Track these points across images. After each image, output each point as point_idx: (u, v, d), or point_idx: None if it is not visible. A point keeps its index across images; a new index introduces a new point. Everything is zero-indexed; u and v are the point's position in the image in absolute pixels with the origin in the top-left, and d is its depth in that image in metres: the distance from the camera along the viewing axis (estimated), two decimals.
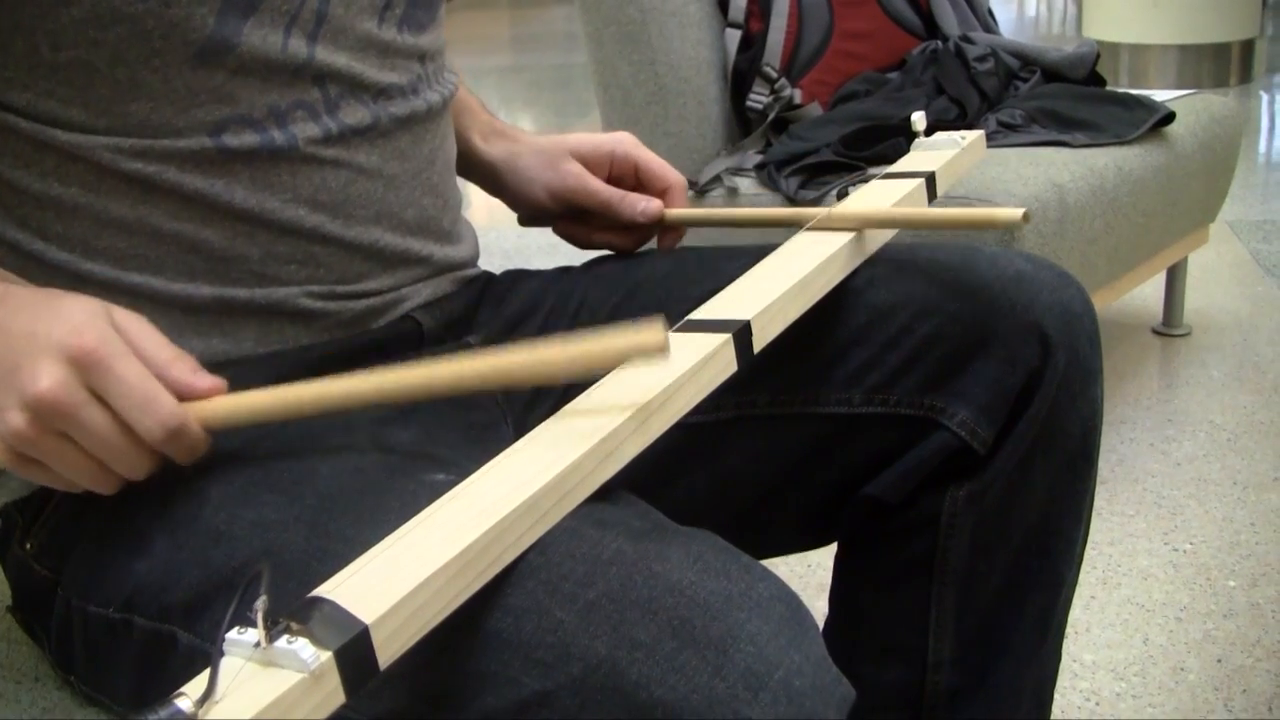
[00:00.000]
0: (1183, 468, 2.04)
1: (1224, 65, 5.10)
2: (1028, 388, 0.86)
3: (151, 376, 0.65)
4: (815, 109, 2.10)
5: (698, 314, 0.77)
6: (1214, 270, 2.92)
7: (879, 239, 0.88)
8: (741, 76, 2.11)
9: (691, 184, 2.06)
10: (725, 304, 0.78)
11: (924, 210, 0.83)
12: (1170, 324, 2.58)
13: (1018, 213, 0.75)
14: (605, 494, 0.64)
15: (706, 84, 2.12)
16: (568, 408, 0.67)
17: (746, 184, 2.03)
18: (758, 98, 2.09)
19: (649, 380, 0.69)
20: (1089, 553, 1.78)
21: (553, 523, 0.60)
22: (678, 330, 0.75)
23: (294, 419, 0.69)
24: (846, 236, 0.83)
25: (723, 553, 0.61)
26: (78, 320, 0.64)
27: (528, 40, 8.75)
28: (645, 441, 0.67)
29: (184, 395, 0.66)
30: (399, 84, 0.85)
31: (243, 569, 0.66)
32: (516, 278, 1.00)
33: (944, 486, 0.89)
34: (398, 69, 0.85)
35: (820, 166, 1.94)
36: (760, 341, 0.75)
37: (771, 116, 2.08)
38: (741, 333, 0.74)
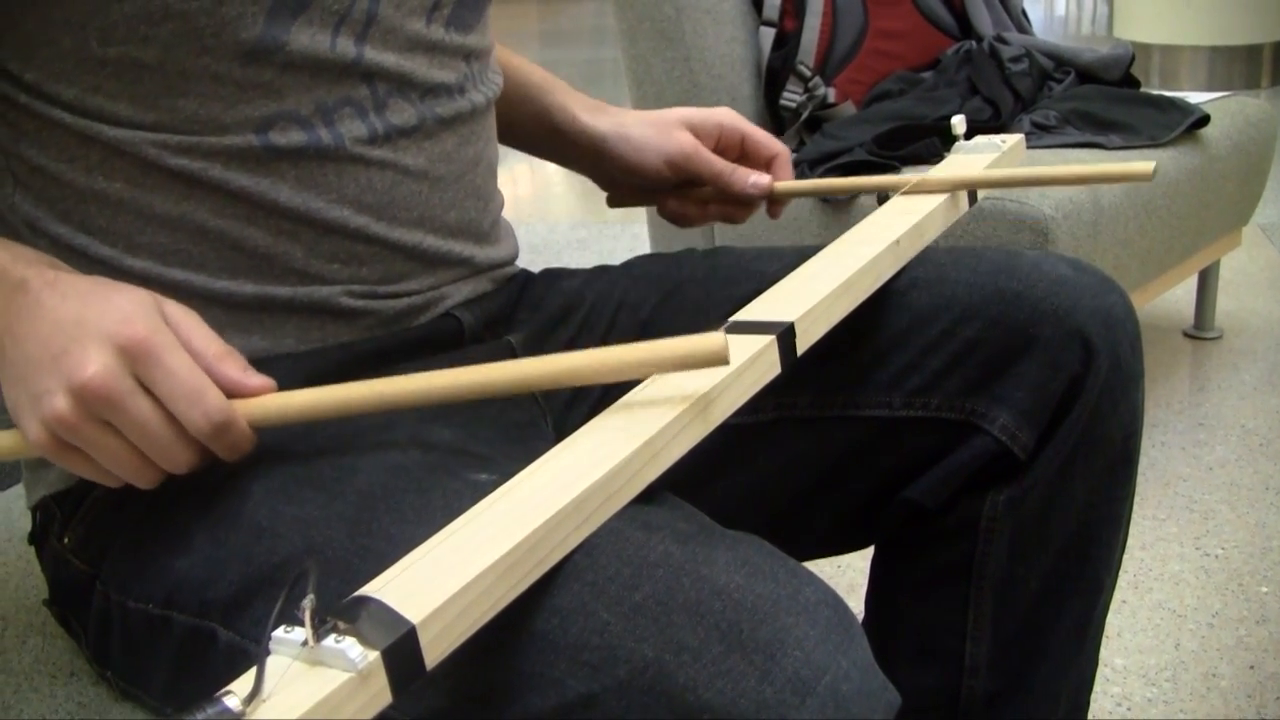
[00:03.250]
0: (1214, 472, 2.02)
1: (1256, 67, 5.06)
2: (1069, 393, 0.86)
3: (200, 370, 0.65)
4: (849, 108, 2.10)
5: (742, 315, 0.76)
6: (1246, 273, 2.90)
7: (892, 265, 0.87)
8: (775, 75, 2.10)
9: None
10: (769, 306, 0.78)
11: (1033, 169, 0.84)
12: (1202, 327, 2.57)
13: (1149, 165, 0.76)
14: (650, 496, 0.64)
15: (740, 82, 2.11)
16: (612, 408, 0.67)
17: None
18: (791, 96, 2.08)
19: (694, 381, 0.68)
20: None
21: (598, 524, 0.60)
22: (721, 331, 0.75)
23: (341, 417, 0.68)
24: (858, 264, 0.81)
25: (769, 556, 0.61)
26: (128, 310, 0.64)
27: (556, 35, 8.75)
28: (691, 442, 0.67)
29: (233, 392, 0.66)
30: (446, 83, 0.85)
31: (285, 566, 0.66)
32: (555, 277, 1.00)
33: (984, 491, 0.88)
34: (445, 68, 0.85)
35: (853, 166, 1.93)
36: (804, 343, 0.75)
37: (805, 115, 2.07)
38: (785, 334, 0.73)
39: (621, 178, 1.06)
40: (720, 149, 1.03)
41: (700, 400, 0.67)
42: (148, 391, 0.64)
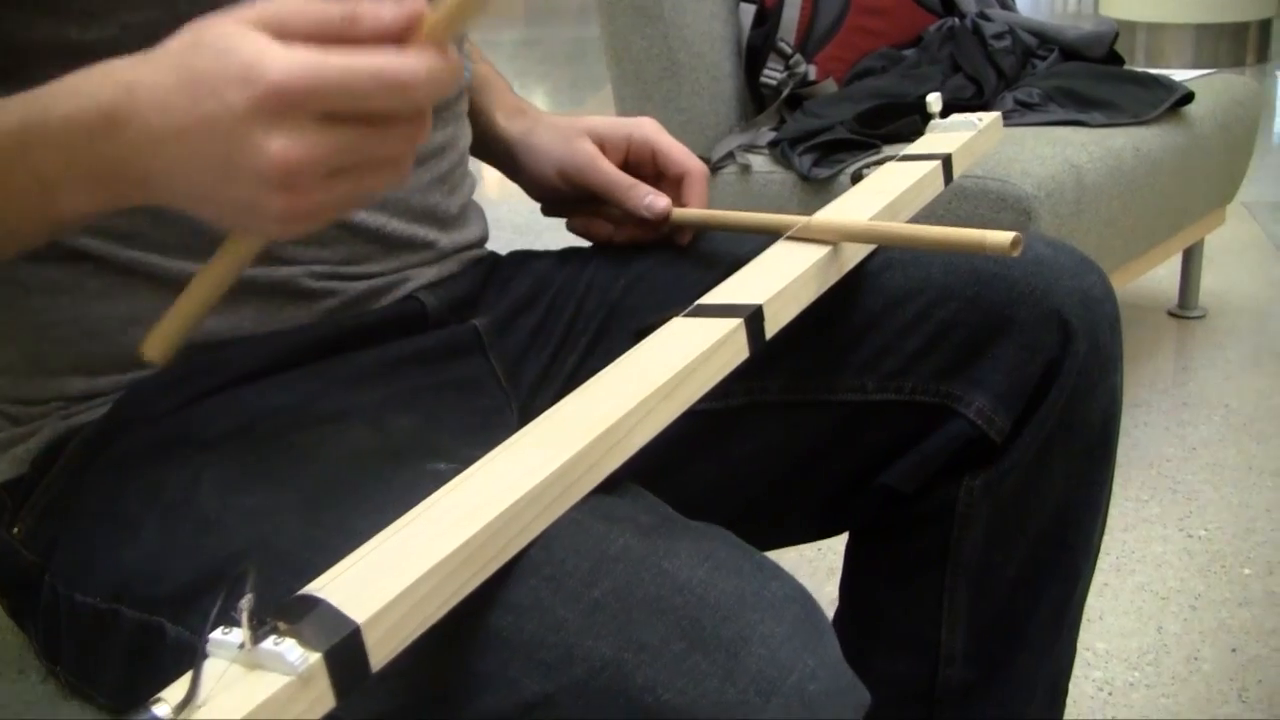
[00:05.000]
0: (1198, 452, 2.01)
1: (1241, 45, 5.05)
2: (1046, 376, 0.84)
3: (368, 59, 0.52)
4: (830, 86, 2.07)
5: (708, 298, 0.74)
6: (1230, 252, 2.89)
7: (861, 250, 0.84)
8: (756, 52, 2.08)
9: (705, 160, 2.03)
10: (737, 288, 0.76)
11: (905, 227, 0.78)
12: (1186, 306, 2.55)
13: (1007, 238, 0.71)
14: (612, 486, 0.62)
15: (720, 59, 2.09)
16: (574, 394, 0.65)
17: (760, 161, 2.00)
18: (772, 73, 2.06)
19: (658, 365, 0.66)
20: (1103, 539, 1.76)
21: (557, 515, 0.58)
22: (687, 315, 0.73)
23: None
24: (825, 249, 0.79)
25: (735, 550, 0.59)
26: (241, 58, 0.52)
27: (542, 13, 8.69)
28: (654, 429, 0.65)
29: (400, 35, 0.53)
30: None
31: (234, 559, 0.63)
32: (523, 259, 0.98)
33: (959, 476, 0.86)
34: None
35: (834, 144, 1.91)
36: (773, 327, 0.73)
37: (786, 93, 2.05)
38: (754, 318, 0.71)
39: (527, 187, 1.00)
40: (631, 163, 0.94)
41: (664, 385, 0.65)
42: (344, 120, 0.53)
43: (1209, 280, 2.61)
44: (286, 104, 0.51)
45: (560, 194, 0.98)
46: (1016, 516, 0.87)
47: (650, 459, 0.64)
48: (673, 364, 0.66)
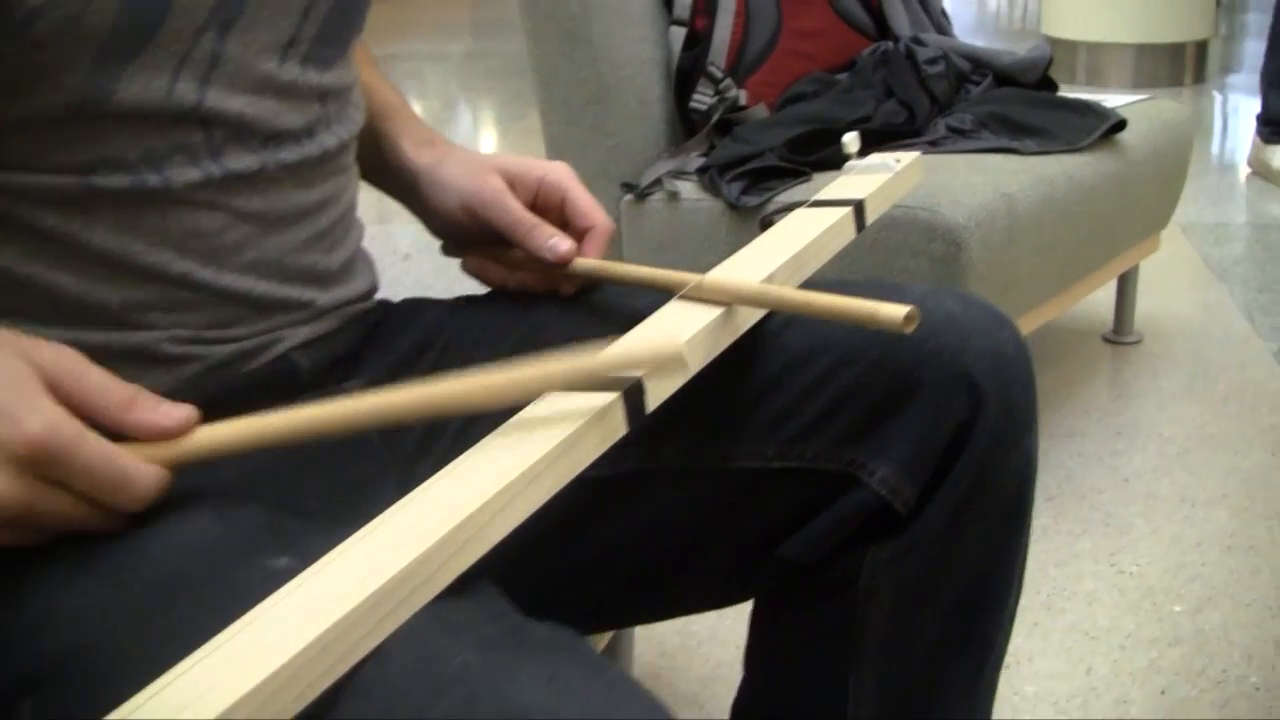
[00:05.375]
0: (1131, 484, 1.99)
1: (1179, 65, 5.11)
2: (956, 441, 0.80)
3: (117, 455, 0.60)
4: (761, 110, 2.03)
5: None
6: (1166, 274, 2.87)
7: (757, 312, 0.79)
8: (686, 76, 2.04)
9: (632, 187, 1.99)
10: None
11: (798, 294, 0.74)
12: (1121, 332, 2.53)
13: (900, 313, 0.67)
14: (462, 583, 0.57)
15: (649, 83, 2.05)
16: (433, 479, 0.61)
17: (688, 188, 1.96)
18: (702, 98, 2.02)
19: (526, 445, 0.62)
20: (1034, 576, 1.73)
21: (396, 624, 0.53)
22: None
23: (267, 448, 0.64)
24: (716, 311, 0.75)
25: (584, 669, 0.55)
26: (8, 402, 0.58)
27: (489, 25, 8.62)
28: (515, 520, 0.60)
29: (152, 439, 0.62)
30: (293, 129, 0.78)
31: (61, 663, 0.58)
32: (415, 308, 0.93)
33: (864, 547, 0.83)
34: (295, 111, 0.78)
35: (764, 171, 1.88)
36: (656, 399, 0.69)
37: (716, 118, 2.01)
38: (633, 391, 0.67)
39: (427, 220, 0.96)
40: (538, 207, 0.90)
41: (528, 472, 0.60)
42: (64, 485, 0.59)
43: (1145, 304, 2.59)
44: (38, 459, 0.57)
45: (462, 230, 0.93)
46: (926, 588, 0.83)
47: (538, 524, 0.60)
48: (539, 445, 0.62)
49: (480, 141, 5.04)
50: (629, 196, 2.00)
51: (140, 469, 0.61)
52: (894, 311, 0.66)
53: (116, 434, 0.62)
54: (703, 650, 1.62)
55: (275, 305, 0.79)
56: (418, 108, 6.02)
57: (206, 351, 0.76)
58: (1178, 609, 1.66)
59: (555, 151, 2.10)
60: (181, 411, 0.63)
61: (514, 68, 6.67)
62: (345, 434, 0.64)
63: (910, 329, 0.65)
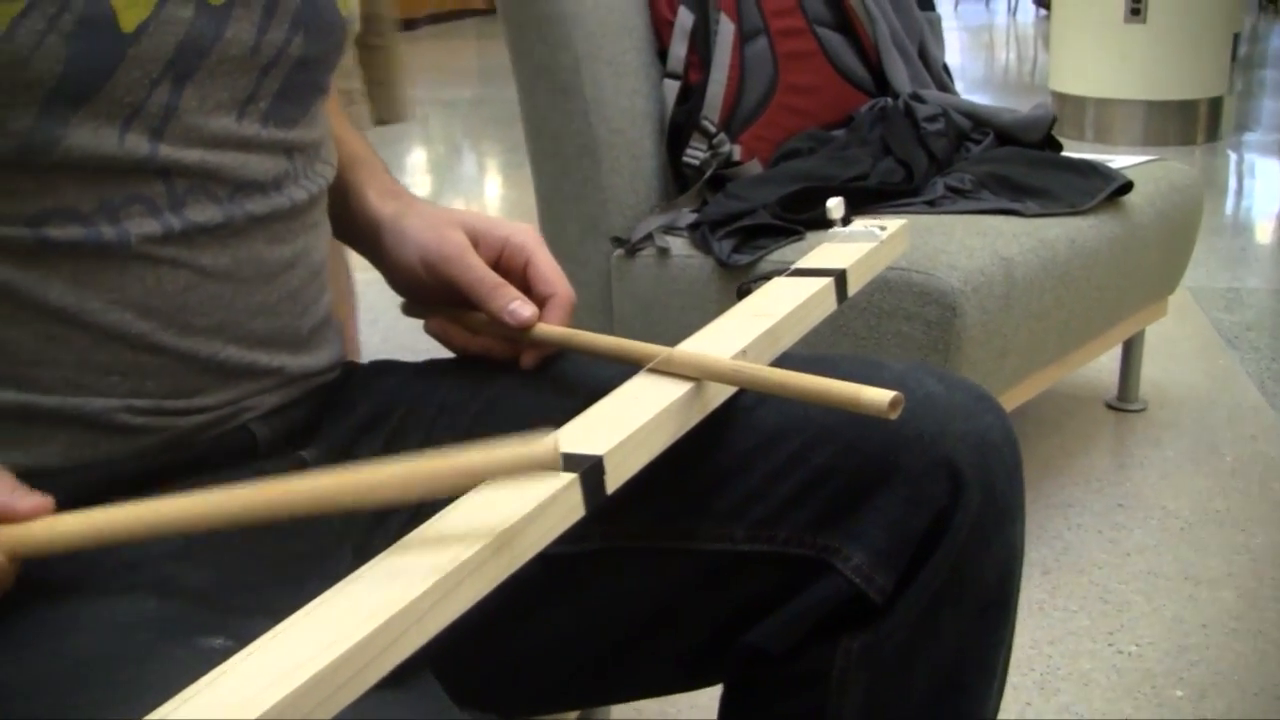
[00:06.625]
0: (1132, 559, 1.93)
1: (1191, 123, 5.04)
2: (934, 529, 0.75)
3: None
4: (755, 166, 1.99)
5: None
6: (1173, 340, 2.82)
7: (728, 388, 0.75)
8: (678, 130, 1.99)
9: (622, 241, 1.95)
10: (578, 433, 0.67)
11: (774, 373, 0.70)
12: (1125, 399, 2.47)
13: (884, 399, 0.62)
14: (400, 673, 0.52)
15: (641, 137, 2.00)
16: (378, 558, 0.57)
17: (679, 244, 1.91)
18: (695, 153, 1.97)
19: (474, 528, 0.57)
20: (1027, 653, 1.67)
21: (329, 716, 0.49)
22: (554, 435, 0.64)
23: (120, 544, 0.59)
24: (686, 386, 0.70)
25: None
26: None
27: (494, 72, 8.64)
28: (459, 609, 0.56)
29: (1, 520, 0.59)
30: (260, 179, 0.74)
31: None
32: (379, 371, 0.89)
33: (835, 637, 0.77)
34: (262, 163, 0.74)
35: (757, 229, 1.83)
36: (616, 480, 0.64)
37: (709, 173, 1.97)
38: (592, 471, 0.62)
39: (388, 275, 0.91)
40: (501, 268, 0.86)
41: (473, 559, 0.56)
42: None
43: (1150, 370, 2.53)
44: None
45: (423, 287, 0.88)
46: (900, 683, 0.78)
47: (496, 601, 0.56)
48: (490, 527, 0.57)
49: (485, 186, 5.02)
50: (619, 251, 1.95)
51: None
52: (878, 397, 0.62)
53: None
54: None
55: (241, 372, 0.74)
56: (422, 153, 6.04)
57: (166, 423, 0.72)
58: (1179, 694, 1.60)
59: (546, 204, 2.06)
60: (34, 501, 0.60)
61: (518, 114, 6.68)
62: (222, 528, 0.59)
63: (894, 415, 0.61)
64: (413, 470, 0.58)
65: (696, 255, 1.88)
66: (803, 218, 1.81)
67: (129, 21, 0.65)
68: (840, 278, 0.86)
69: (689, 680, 0.87)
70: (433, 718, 0.57)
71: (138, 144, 0.67)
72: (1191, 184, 2.26)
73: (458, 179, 5.33)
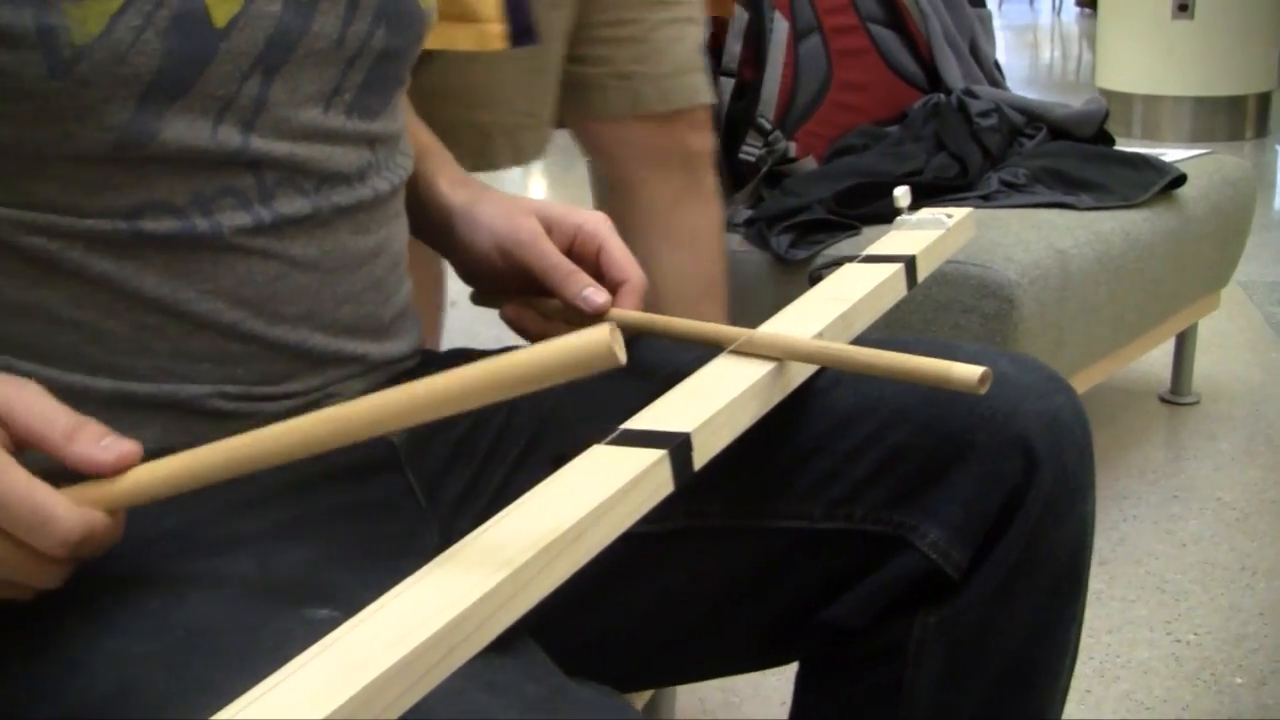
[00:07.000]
0: (1188, 549, 1.94)
1: (1239, 118, 5.01)
2: (1008, 506, 0.77)
3: (36, 492, 0.56)
4: (810, 163, 2.02)
5: (634, 423, 0.68)
6: (1226, 334, 2.82)
7: (808, 368, 0.76)
8: (734, 126, 2.02)
9: None
10: (664, 412, 0.69)
11: (859, 351, 0.71)
12: (1178, 392, 2.48)
13: (974, 374, 0.64)
14: (504, 640, 0.55)
15: None
16: (471, 535, 0.58)
17: (735, 240, 1.94)
18: (750, 149, 2.00)
19: (569, 504, 0.60)
20: (1086, 641, 1.68)
21: (439, 680, 0.51)
22: (610, 442, 0.66)
23: (213, 483, 0.60)
24: (768, 366, 0.72)
25: None
26: None
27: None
28: (558, 579, 0.58)
29: (90, 474, 0.58)
30: (345, 171, 0.76)
31: (98, 706, 0.58)
32: (455, 359, 0.91)
33: (912, 612, 0.79)
34: (346, 155, 0.76)
35: (813, 224, 1.85)
36: (703, 457, 0.66)
37: (764, 170, 1.99)
38: (680, 448, 0.64)
39: (459, 261, 0.92)
40: (573, 255, 0.86)
41: (572, 530, 0.58)
42: None
43: (1203, 364, 2.54)
44: None
45: (496, 274, 0.89)
46: (975, 656, 0.80)
47: (579, 580, 0.57)
48: (584, 503, 0.59)
49: (530, 191, 5.06)
50: None
51: (62, 511, 0.56)
52: (968, 373, 0.64)
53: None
54: (745, 708, 1.58)
55: (328, 359, 0.77)
56: None
57: (255, 409, 0.74)
58: (1239, 681, 1.61)
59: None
60: (123, 448, 0.59)
61: None
62: (304, 457, 0.60)
63: (983, 390, 0.63)
64: (478, 372, 0.60)
65: (753, 250, 1.90)
66: (858, 212, 1.83)
67: (221, 17, 0.67)
68: (910, 263, 0.88)
69: (766, 658, 0.89)
70: (540, 675, 0.59)
71: (230, 136, 0.69)
72: (1244, 177, 2.27)
73: (504, 183, 5.35)
